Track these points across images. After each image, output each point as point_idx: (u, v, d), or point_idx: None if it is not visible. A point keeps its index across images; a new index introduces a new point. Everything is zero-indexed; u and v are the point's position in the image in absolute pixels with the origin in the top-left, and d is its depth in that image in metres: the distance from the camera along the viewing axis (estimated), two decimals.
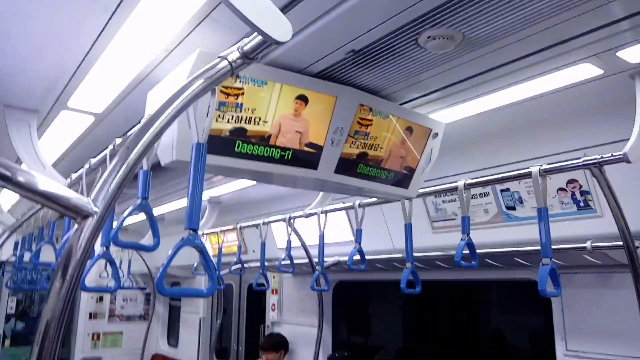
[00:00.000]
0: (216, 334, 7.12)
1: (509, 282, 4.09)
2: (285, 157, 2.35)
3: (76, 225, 1.10)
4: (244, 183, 4.64)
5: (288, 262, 4.03)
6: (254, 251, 6.15)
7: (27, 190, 1.01)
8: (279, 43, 1.19)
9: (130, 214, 1.60)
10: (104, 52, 2.30)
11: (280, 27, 1.20)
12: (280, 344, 5.85)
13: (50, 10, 2.03)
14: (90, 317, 9.10)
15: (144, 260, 7.97)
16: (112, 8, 1.94)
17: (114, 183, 1.13)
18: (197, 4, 1.90)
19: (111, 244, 2.18)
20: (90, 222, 1.08)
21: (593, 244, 2.80)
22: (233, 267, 4.88)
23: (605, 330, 3.13)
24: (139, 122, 3.08)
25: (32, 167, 3.07)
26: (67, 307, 1.06)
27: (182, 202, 5.74)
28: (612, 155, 2.22)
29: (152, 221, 1.68)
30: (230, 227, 5.33)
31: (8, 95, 2.85)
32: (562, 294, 2.58)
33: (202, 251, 1.36)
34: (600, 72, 2.33)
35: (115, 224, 1.96)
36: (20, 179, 1.00)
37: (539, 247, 2.94)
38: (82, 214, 1.06)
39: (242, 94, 2.14)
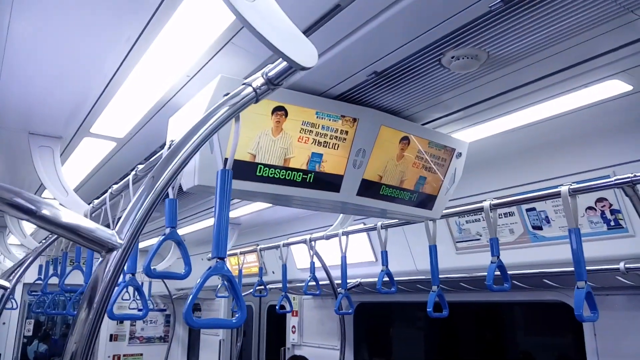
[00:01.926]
0: (236, 357, 7.05)
1: (537, 304, 3.97)
2: (307, 180, 2.33)
3: (101, 257, 1.08)
4: (263, 204, 4.63)
5: (313, 283, 3.97)
6: (273, 272, 6.11)
7: (51, 224, 1.00)
8: (304, 69, 1.17)
9: (160, 245, 1.57)
10: (126, 79, 2.32)
11: (305, 52, 1.18)
12: None
13: (73, 41, 2.06)
14: (110, 339, 9.10)
15: (164, 282, 7.98)
16: (135, 37, 1.95)
17: (139, 214, 1.11)
18: (218, 31, 1.90)
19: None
20: (115, 255, 1.05)
21: (626, 265, 2.69)
22: (256, 289, 4.84)
23: None
24: (160, 146, 3.12)
25: (55, 193, 3.09)
26: (92, 339, 1.04)
27: (201, 224, 5.75)
28: None
29: (183, 249, 1.66)
30: (250, 248, 5.30)
31: (32, 122, 2.89)
32: None
33: (231, 280, 1.33)
34: (630, 88, 2.27)
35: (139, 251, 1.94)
36: (45, 212, 0.99)
37: (568, 269, 2.85)
38: (106, 247, 1.04)
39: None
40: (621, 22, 1.78)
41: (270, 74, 1.27)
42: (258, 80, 1.29)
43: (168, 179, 1.20)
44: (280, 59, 1.22)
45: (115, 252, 1.04)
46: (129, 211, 1.12)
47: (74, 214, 1.02)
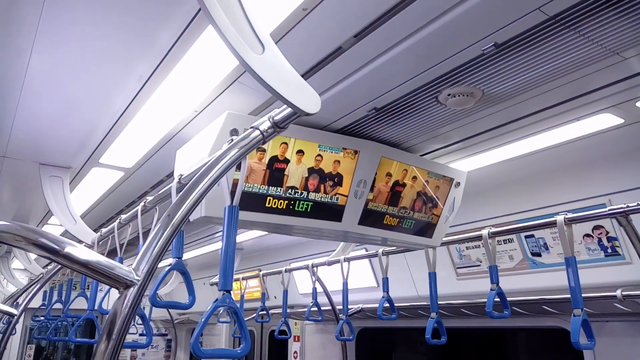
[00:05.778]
0: None
1: (538, 330, 3.99)
2: (311, 210, 2.40)
3: (118, 293, 1.14)
4: None
5: (315, 309, 4.00)
6: (275, 297, 6.12)
7: (73, 262, 1.07)
8: (308, 114, 1.26)
9: (166, 275, 1.64)
10: (137, 113, 2.41)
11: (309, 100, 1.26)
12: None
13: (88, 76, 2.15)
14: None
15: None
16: (147, 76, 2.05)
17: (155, 251, 1.18)
18: (226, 70, 2.00)
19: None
20: (132, 291, 1.12)
21: (623, 292, 2.74)
22: (258, 315, 4.86)
23: None
24: (167, 175, 3.20)
25: (64, 221, 3.16)
26: None
27: (204, 249, 5.81)
28: (638, 204, 2.21)
29: (188, 280, 1.72)
30: (253, 273, 5.34)
31: (44, 154, 2.98)
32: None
33: (237, 312, 1.39)
34: (621, 121, 2.36)
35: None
36: (67, 252, 1.06)
37: (567, 295, 2.89)
38: (124, 284, 1.11)
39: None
40: (609, 63, 1.87)
41: (276, 118, 1.35)
42: (265, 124, 1.37)
43: (182, 217, 1.27)
44: (285, 105, 1.30)
45: (132, 288, 1.11)
46: (146, 248, 1.19)
47: (92, 252, 1.09)
